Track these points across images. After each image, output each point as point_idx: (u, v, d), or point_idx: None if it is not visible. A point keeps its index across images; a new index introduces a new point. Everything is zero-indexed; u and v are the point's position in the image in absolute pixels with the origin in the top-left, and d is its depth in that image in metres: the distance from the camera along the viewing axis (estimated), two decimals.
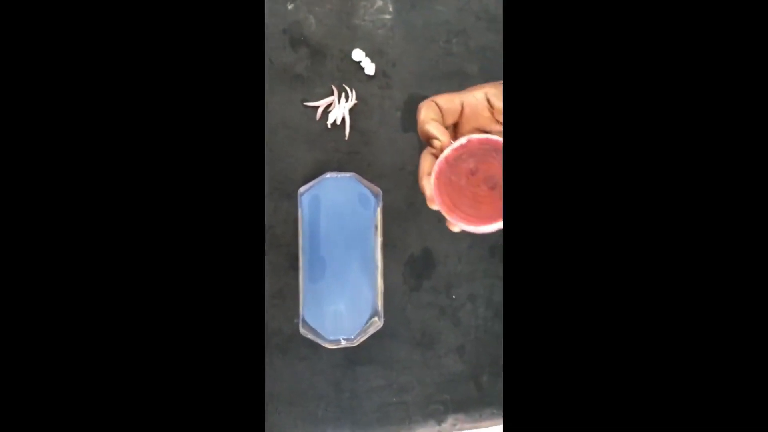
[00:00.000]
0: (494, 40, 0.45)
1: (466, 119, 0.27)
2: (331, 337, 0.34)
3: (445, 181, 0.23)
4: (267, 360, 0.38)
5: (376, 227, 0.36)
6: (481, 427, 0.44)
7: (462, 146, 0.23)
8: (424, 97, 0.43)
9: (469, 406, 0.42)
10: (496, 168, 0.23)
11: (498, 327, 0.43)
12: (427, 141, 0.26)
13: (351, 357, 0.40)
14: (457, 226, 0.24)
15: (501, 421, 0.44)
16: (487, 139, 0.23)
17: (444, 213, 0.23)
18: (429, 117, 0.26)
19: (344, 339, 0.34)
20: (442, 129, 0.25)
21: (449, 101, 0.27)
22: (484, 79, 0.45)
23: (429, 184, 0.25)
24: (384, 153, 0.42)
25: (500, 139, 0.23)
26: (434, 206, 0.25)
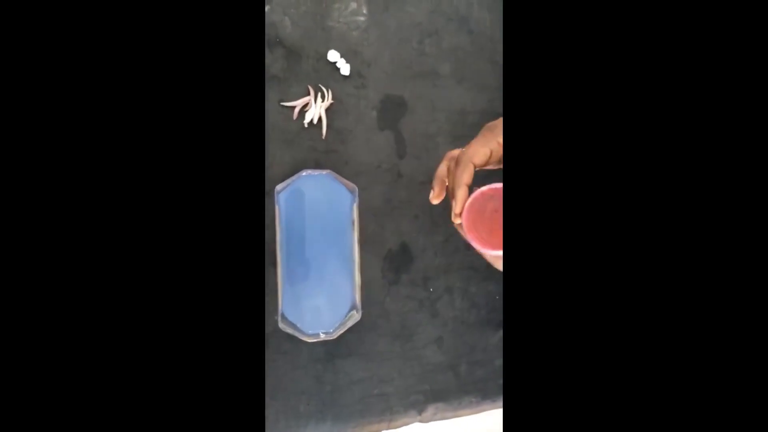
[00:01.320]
0: (465, 40, 0.47)
1: (492, 159, 0.32)
2: (311, 332, 0.35)
3: (476, 207, 0.29)
4: None
5: (353, 223, 0.37)
6: (461, 415, 0.45)
7: (496, 189, 0.29)
8: (399, 97, 0.44)
9: (449, 395, 0.44)
10: None
11: (474, 317, 0.45)
12: (450, 194, 0.31)
13: (332, 351, 0.41)
14: (471, 243, 0.30)
15: (480, 408, 0.45)
16: None
17: (464, 229, 0.29)
18: (462, 181, 0.30)
19: (323, 333, 0.35)
20: (466, 193, 0.30)
21: (482, 156, 0.31)
22: (456, 79, 0.46)
23: (461, 197, 0.30)
24: (361, 151, 0.43)
25: None
26: (457, 220, 0.31)
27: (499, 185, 0.29)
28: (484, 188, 0.29)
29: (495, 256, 0.30)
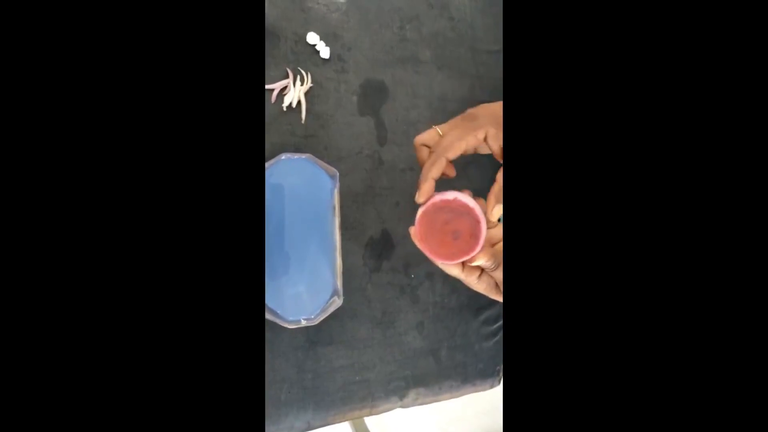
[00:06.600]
0: (446, 26, 0.46)
1: (467, 151, 0.32)
2: (292, 318, 0.34)
3: (427, 218, 0.29)
4: None
5: (333, 208, 0.37)
6: (442, 400, 0.45)
7: (447, 201, 0.29)
8: (380, 83, 0.44)
9: (430, 380, 0.44)
10: (463, 225, 0.29)
11: (454, 302, 0.45)
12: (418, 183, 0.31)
13: (313, 338, 0.41)
14: (423, 252, 0.30)
15: (460, 392, 0.46)
16: (465, 204, 0.29)
17: (416, 239, 0.29)
18: (430, 175, 0.30)
19: (305, 319, 0.35)
20: (432, 187, 0.30)
21: (457, 150, 0.31)
22: (437, 65, 0.46)
23: (426, 191, 0.30)
24: (341, 136, 0.42)
25: (476, 206, 0.29)
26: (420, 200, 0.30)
27: (451, 196, 0.29)
28: (435, 198, 0.29)
29: (446, 265, 0.30)
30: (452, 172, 0.31)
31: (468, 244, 0.28)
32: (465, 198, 0.29)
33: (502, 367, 0.47)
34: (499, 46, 0.48)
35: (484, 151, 0.33)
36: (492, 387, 0.47)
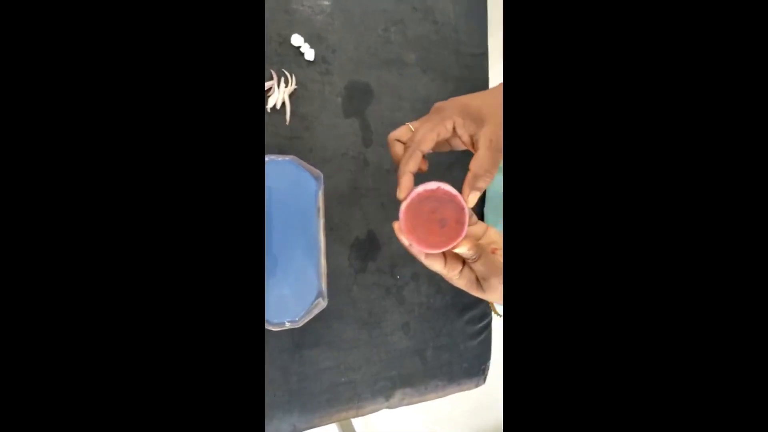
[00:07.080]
0: (430, 30, 0.47)
1: (440, 143, 0.33)
2: (276, 320, 0.34)
3: (413, 209, 0.30)
4: None
5: (318, 210, 0.37)
6: (428, 399, 0.46)
7: (432, 191, 0.30)
8: (365, 84, 0.44)
9: (416, 380, 0.44)
10: (449, 213, 0.30)
11: (439, 302, 0.46)
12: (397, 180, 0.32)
13: (298, 341, 0.40)
14: (410, 244, 0.30)
15: (446, 391, 0.46)
16: (449, 192, 0.30)
17: (404, 231, 0.30)
18: (408, 169, 0.31)
19: (289, 321, 0.35)
20: (411, 181, 0.31)
21: (430, 141, 0.31)
22: (421, 68, 0.47)
23: (405, 185, 0.30)
24: (326, 138, 0.42)
25: (458, 194, 0.30)
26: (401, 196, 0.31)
27: (434, 186, 0.29)
28: (419, 189, 0.30)
29: (431, 255, 0.31)
30: (425, 166, 0.32)
31: (454, 230, 0.29)
32: (448, 187, 0.30)
33: (487, 366, 0.48)
34: (482, 49, 0.49)
35: (459, 146, 0.34)
36: (477, 386, 0.48)
